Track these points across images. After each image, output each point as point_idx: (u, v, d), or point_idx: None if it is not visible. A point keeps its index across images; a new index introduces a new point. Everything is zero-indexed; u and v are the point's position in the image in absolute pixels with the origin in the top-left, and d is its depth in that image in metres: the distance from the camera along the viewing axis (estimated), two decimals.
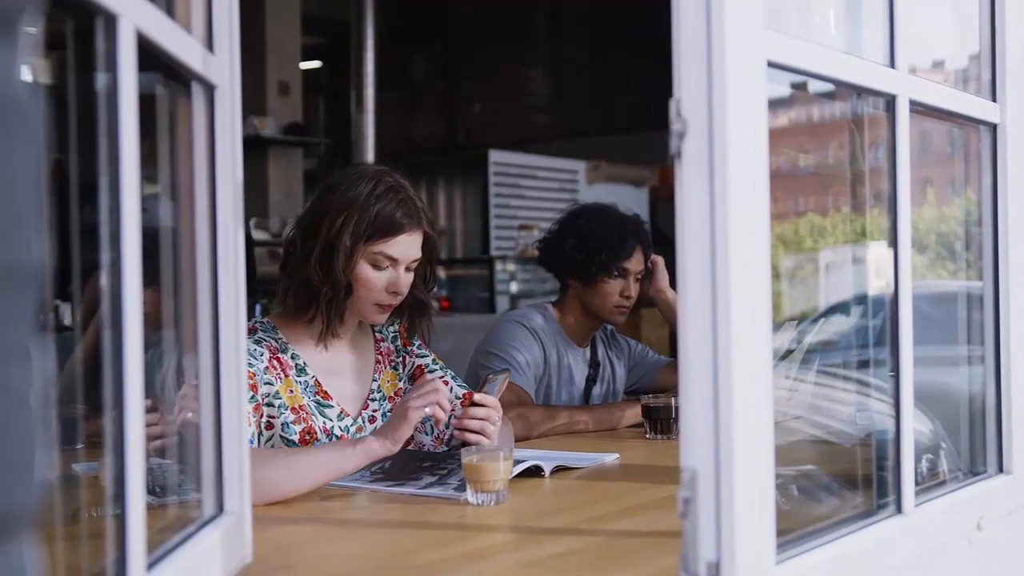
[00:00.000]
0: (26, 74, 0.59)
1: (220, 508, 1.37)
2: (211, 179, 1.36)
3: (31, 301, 0.59)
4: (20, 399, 0.57)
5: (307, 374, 2.23)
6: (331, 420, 2.23)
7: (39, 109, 0.60)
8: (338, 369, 2.30)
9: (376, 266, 2.20)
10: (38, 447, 0.59)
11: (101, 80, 1.01)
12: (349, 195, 2.19)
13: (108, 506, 1.35)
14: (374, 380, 2.35)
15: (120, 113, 1.00)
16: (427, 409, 1.98)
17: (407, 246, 2.22)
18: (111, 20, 0.99)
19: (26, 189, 0.57)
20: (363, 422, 2.30)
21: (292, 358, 2.23)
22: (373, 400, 2.34)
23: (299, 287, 2.21)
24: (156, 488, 1.38)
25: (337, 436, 2.23)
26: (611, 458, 2.36)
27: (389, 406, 2.35)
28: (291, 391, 2.19)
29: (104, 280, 1.01)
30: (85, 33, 1.02)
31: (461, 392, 2.40)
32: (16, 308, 0.57)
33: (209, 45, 1.34)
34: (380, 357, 2.39)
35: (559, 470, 2.19)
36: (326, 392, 2.25)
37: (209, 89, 1.34)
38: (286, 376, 2.20)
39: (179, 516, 1.40)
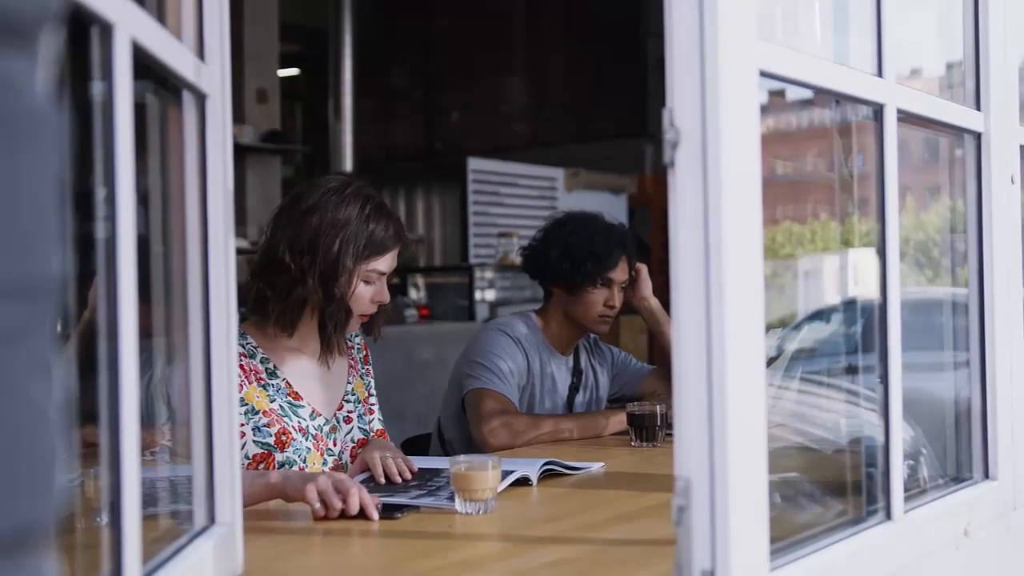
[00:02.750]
0: (44, 86, 0.59)
1: (211, 519, 1.36)
2: (202, 188, 1.35)
3: (51, 314, 0.59)
4: (42, 413, 0.57)
5: (278, 377, 2.28)
6: (304, 419, 2.28)
7: (58, 122, 0.60)
8: (311, 372, 2.35)
9: (367, 281, 2.28)
10: (57, 461, 0.59)
11: (96, 88, 1.01)
12: (340, 217, 2.24)
13: (96, 517, 1.34)
14: (348, 383, 2.42)
15: (115, 121, 1.00)
16: (316, 505, 1.83)
17: (393, 259, 2.32)
18: (107, 29, 0.99)
19: (47, 202, 0.57)
20: (338, 421, 2.36)
21: (262, 362, 2.28)
22: (348, 401, 2.41)
23: (296, 306, 2.25)
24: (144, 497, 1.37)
25: (312, 435, 2.28)
26: (597, 467, 2.36)
27: (362, 409, 2.43)
28: (258, 396, 2.23)
29: (99, 289, 1.01)
30: (78, 41, 1.01)
31: (377, 427, 2.46)
32: (37, 321, 0.57)
33: (200, 54, 1.34)
34: (352, 362, 2.46)
35: (548, 475, 2.19)
36: (297, 393, 2.30)
37: (200, 98, 1.34)
38: (250, 382, 2.24)
39: (170, 527, 1.39)
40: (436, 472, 2.19)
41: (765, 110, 1.53)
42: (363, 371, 2.49)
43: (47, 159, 0.58)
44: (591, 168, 8.54)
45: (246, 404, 2.20)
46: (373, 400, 2.51)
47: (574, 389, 3.14)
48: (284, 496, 1.94)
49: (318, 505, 1.83)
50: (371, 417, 2.48)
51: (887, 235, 1.53)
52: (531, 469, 2.16)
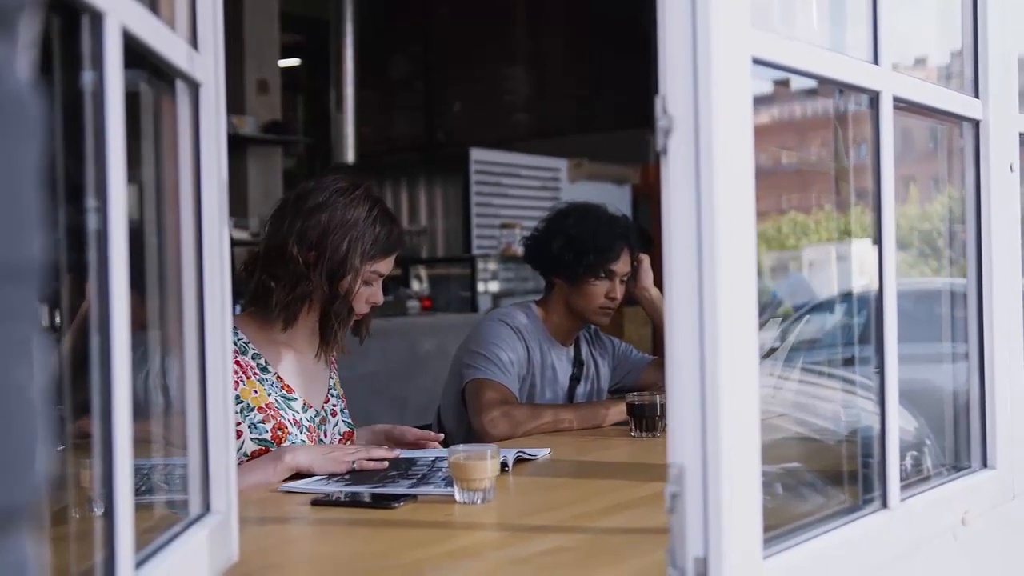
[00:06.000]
0: (25, 71, 0.59)
1: (207, 507, 1.36)
2: (196, 178, 1.35)
3: (33, 297, 0.59)
4: (23, 394, 0.57)
5: (270, 372, 2.31)
6: (297, 412, 2.32)
7: (39, 106, 0.60)
8: (298, 367, 2.38)
9: (367, 282, 2.33)
10: (39, 441, 0.59)
11: (86, 78, 1.01)
12: (349, 217, 2.28)
13: (91, 506, 1.35)
14: (331, 378, 2.48)
15: (106, 111, 1.00)
16: (355, 464, 2.13)
17: (392, 263, 2.38)
18: (97, 17, 0.98)
19: (28, 186, 0.58)
20: (326, 414, 2.42)
21: (253, 358, 2.30)
22: (332, 395, 2.46)
23: (299, 300, 2.28)
24: (140, 487, 1.37)
25: (306, 427, 2.32)
26: (544, 452, 2.39)
27: (343, 404, 2.49)
28: (255, 391, 2.26)
29: (91, 281, 1.01)
30: (69, 30, 1.01)
31: (344, 429, 2.48)
32: (19, 304, 0.57)
33: (194, 43, 1.34)
34: (333, 360, 2.51)
35: (548, 466, 2.21)
36: (289, 386, 2.33)
37: (194, 87, 1.33)
38: (248, 378, 2.27)
39: (164, 515, 1.40)
40: (412, 461, 2.21)
41: (770, 99, 1.52)
42: (337, 368, 2.55)
43: (27, 144, 0.58)
44: (594, 158, 8.54)
45: (241, 402, 2.22)
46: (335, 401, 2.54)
47: (575, 380, 3.14)
48: (310, 472, 2.11)
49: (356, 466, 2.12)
50: (348, 411, 2.51)
51: (883, 224, 1.53)
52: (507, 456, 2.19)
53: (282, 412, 2.27)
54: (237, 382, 2.22)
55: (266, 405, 2.26)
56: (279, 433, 2.24)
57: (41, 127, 0.60)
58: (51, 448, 0.60)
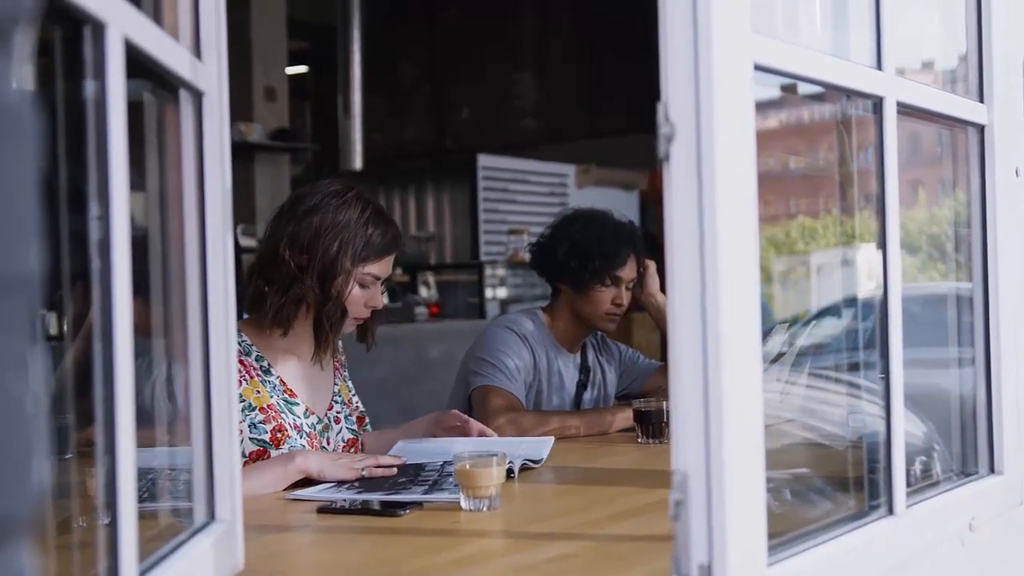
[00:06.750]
0: (22, 82, 0.59)
1: (212, 516, 1.36)
2: (199, 186, 1.36)
3: (28, 309, 0.59)
4: (18, 406, 0.57)
5: (273, 375, 2.32)
6: (299, 417, 2.32)
7: (35, 117, 0.60)
8: (302, 373, 2.38)
9: (362, 285, 2.32)
10: (35, 454, 0.59)
11: (89, 87, 1.01)
12: (340, 219, 2.28)
13: (98, 515, 1.35)
14: (335, 384, 2.47)
15: (109, 121, 1.00)
16: (364, 472, 2.13)
17: (388, 266, 2.37)
18: (99, 28, 0.99)
19: (23, 197, 0.58)
20: (329, 421, 2.41)
21: (256, 360, 2.31)
22: (336, 402, 2.45)
23: (292, 303, 2.28)
24: (144, 494, 1.37)
25: (307, 433, 2.32)
26: (547, 445, 2.40)
27: (348, 411, 2.48)
28: (258, 392, 2.27)
29: (94, 289, 1.01)
30: (72, 40, 1.01)
31: (348, 436, 2.47)
32: (14, 316, 0.57)
33: (197, 52, 1.34)
34: (338, 366, 2.51)
35: (551, 472, 2.21)
36: (292, 390, 2.33)
37: (197, 96, 1.34)
38: (251, 378, 2.27)
39: (169, 523, 1.40)
40: (421, 467, 2.21)
41: (777, 104, 1.52)
42: (344, 375, 2.54)
43: (23, 155, 0.58)
44: (602, 164, 8.53)
45: (243, 401, 2.22)
46: (357, 400, 2.54)
47: (582, 386, 3.13)
48: (320, 478, 2.11)
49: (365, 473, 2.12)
50: (355, 416, 2.50)
51: (888, 228, 1.53)
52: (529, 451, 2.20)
53: (283, 415, 2.28)
54: (240, 381, 2.22)
55: (268, 406, 2.26)
56: (278, 435, 2.25)
57: (38, 139, 0.60)
58: (48, 460, 0.60)
